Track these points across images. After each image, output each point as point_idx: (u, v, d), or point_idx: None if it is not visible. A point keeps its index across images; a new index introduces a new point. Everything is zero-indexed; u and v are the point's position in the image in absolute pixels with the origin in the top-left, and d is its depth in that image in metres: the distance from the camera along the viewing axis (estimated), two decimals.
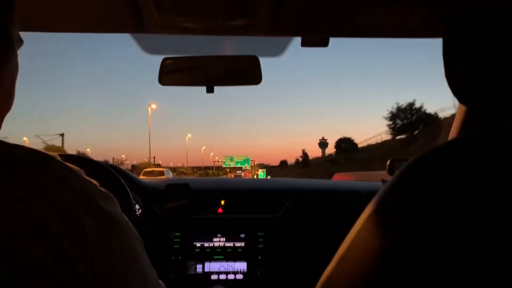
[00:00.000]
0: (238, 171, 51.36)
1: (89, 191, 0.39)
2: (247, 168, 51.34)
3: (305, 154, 55.19)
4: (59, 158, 0.40)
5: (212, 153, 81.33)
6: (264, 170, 42.62)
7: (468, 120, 0.67)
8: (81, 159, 1.17)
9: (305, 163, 52.24)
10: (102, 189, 0.41)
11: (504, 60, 0.36)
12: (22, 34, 0.48)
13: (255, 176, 31.31)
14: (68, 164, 0.40)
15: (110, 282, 0.36)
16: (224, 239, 1.37)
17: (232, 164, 48.92)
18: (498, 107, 0.38)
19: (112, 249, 0.38)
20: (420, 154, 0.35)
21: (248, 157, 49.69)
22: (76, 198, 0.37)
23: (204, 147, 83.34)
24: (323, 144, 58.00)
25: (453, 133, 0.76)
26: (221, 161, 51.45)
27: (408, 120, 28.37)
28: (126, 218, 0.42)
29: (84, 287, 0.34)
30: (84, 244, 0.35)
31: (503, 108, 0.38)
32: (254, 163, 56.56)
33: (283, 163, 69.23)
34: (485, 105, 0.39)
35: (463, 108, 0.71)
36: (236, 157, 49.40)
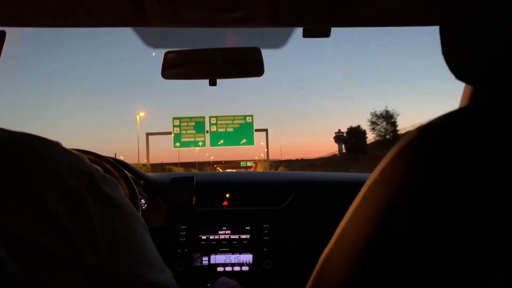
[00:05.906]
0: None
1: (92, 176, 0.39)
2: (248, 164, 26.30)
3: None
4: (62, 145, 0.41)
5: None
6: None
7: (471, 98, 0.68)
8: (86, 152, 1.18)
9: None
10: (106, 174, 0.41)
11: (501, 38, 0.36)
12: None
13: None
14: (71, 150, 0.41)
15: (115, 265, 0.37)
16: (229, 231, 1.38)
17: (204, 141, 20.06)
18: (497, 83, 0.38)
19: (117, 233, 0.38)
20: (416, 129, 0.35)
21: (248, 117, 20.63)
22: (79, 182, 0.37)
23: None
24: (339, 137, 46.50)
25: None
26: (171, 133, 21.38)
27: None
28: (130, 203, 0.43)
29: (90, 271, 0.35)
30: (89, 228, 0.36)
31: (502, 84, 0.38)
32: (262, 154, 31.00)
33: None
34: (483, 82, 0.40)
35: (467, 87, 0.71)
36: (213, 119, 19.84)
